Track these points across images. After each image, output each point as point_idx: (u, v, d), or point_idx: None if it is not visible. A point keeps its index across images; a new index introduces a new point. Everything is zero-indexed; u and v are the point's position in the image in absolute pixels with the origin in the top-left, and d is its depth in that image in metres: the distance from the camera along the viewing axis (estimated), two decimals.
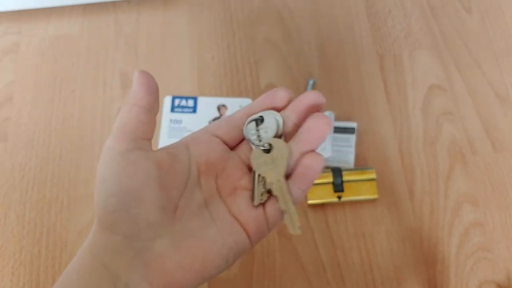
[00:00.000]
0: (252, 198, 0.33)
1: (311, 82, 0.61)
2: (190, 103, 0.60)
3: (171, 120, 0.59)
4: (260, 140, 0.34)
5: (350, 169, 0.55)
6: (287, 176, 0.33)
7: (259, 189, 0.33)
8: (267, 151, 0.33)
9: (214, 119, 0.59)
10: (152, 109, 0.33)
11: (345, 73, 0.62)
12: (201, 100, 0.60)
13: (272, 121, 0.34)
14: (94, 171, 0.57)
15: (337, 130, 0.57)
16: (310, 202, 0.54)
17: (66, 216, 0.56)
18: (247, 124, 0.34)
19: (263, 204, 0.33)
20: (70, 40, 0.65)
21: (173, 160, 0.33)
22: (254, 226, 0.32)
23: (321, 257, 0.53)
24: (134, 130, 0.32)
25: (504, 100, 0.60)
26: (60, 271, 0.53)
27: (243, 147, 0.35)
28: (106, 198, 0.30)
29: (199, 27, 0.66)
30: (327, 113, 0.57)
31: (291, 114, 0.34)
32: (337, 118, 0.59)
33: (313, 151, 0.32)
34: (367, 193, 0.54)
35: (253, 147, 0.34)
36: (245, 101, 0.60)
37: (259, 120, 0.34)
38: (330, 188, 0.55)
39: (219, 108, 0.60)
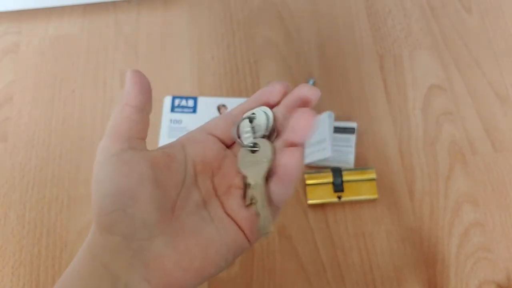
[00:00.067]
0: (244, 197, 0.33)
1: (311, 82, 0.61)
2: (190, 103, 0.60)
3: (171, 120, 0.59)
4: (254, 136, 0.34)
5: (350, 169, 0.55)
6: (271, 176, 0.32)
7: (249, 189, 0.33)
8: (253, 151, 0.33)
9: None
10: (144, 109, 0.33)
11: (345, 73, 0.62)
12: (201, 100, 0.60)
13: (262, 118, 0.34)
14: None
15: (337, 130, 0.57)
16: (310, 202, 0.54)
17: (66, 216, 0.56)
18: (240, 123, 0.34)
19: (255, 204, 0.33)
20: (70, 40, 0.65)
21: (169, 160, 0.33)
22: (248, 225, 0.32)
23: (321, 257, 0.53)
24: (128, 130, 0.32)
25: (504, 100, 0.60)
26: (60, 271, 0.53)
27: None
28: (102, 199, 0.30)
29: (199, 27, 0.66)
30: (327, 113, 0.57)
31: (283, 109, 0.34)
32: (337, 118, 0.59)
33: (294, 146, 0.31)
34: (367, 193, 0.54)
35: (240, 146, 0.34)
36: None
37: (253, 118, 0.34)
38: (330, 188, 0.55)
39: (219, 108, 0.60)
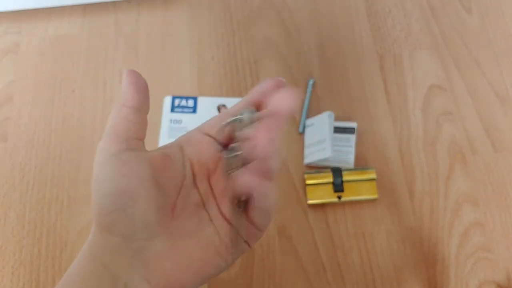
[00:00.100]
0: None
1: (311, 82, 0.61)
2: (190, 103, 0.60)
3: (171, 120, 0.59)
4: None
5: (350, 169, 0.55)
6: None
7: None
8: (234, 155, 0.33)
9: None
10: (142, 109, 0.33)
11: (345, 73, 0.62)
12: (201, 100, 0.60)
13: (246, 120, 0.33)
14: None
15: (337, 130, 0.57)
16: (310, 202, 0.54)
17: (66, 216, 0.56)
18: (226, 126, 0.34)
19: (245, 209, 0.33)
20: (70, 40, 0.65)
21: (167, 160, 0.33)
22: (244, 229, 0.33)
23: (321, 257, 0.53)
24: (126, 131, 0.32)
25: (504, 100, 0.60)
26: (60, 271, 0.53)
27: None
28: (102, 199, 0.30)
29: (199, 27, 0.66)
30: (327, 113, 0.57)
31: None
32: (337, 118, 0.59)
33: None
34: (367, 193, 0.54)
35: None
36: None
37: (239, 119, 0.34)
38: (330, 188, 0.54)
39: (219, 108, 0.60)
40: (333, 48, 0.64)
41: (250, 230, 0.32)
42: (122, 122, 0.32)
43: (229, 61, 0.63)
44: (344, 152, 0.56)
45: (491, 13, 0.65)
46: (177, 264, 0.30)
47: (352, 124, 0.58)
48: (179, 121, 0.59)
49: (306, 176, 0.55)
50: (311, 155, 0.56)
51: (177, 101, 0.60)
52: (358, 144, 0.58)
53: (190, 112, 0.59)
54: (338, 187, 0.54)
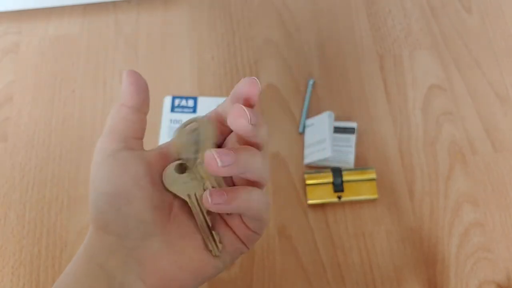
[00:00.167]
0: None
1: (311, 82, 0.61)
2: (190, 103, 0.60)
3: (171, 120, 0.59)
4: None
5: (350, 169, 0.55)
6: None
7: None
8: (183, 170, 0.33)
9: None
10: (141, 109, 0.33)
11: (345, 73, 0.62)
12: (201, 100, 0.60)
13: (209, 132, 0.33)
14: None
15: (337, 130, 0.57)
16: (310, 202, 0.54)
17: (66, 216, 0.56)
18: (181, 132, 0.33)
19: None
20: (70, 40, 0.65)
21: (165, 159, 0.33)
22: (240, 231, 0.32)
23: (321, 257, 0.53)
24: (124, 130, 0.32)
25: (504, 100, 0.60)
26: (60, 271, 0.53)
27: (228, 144, 0.34)
28: (98, 198, 0.30)
29: (199, 27, 0.66)
30: (327, 113, 0.57)
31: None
32: (337, 118, 0.59)
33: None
34: (367, 193, 0.54)
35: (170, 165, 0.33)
36: None
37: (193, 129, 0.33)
38: (330, 188, 0.54)
39: None
40: (333, 48, 0.64)
41: (246, 233, 0.32)
42: (121, 122, 0.32)
43: (229, 61, 0.63)
44: (344, 152, 0.56)
45: (491, 13, 0.65)
46: (173, 264, 0.30)
47: (352, 124, 0.58)
48: (179, 121, 0.59)
49: (306, 176, 0.55)
50: (311, 155, 0.56)
51: (177, 101, 0.60)
52: (358, 144, 0.58)
53: (190, 112, 0.59)
54: (338, 187, 0.54)
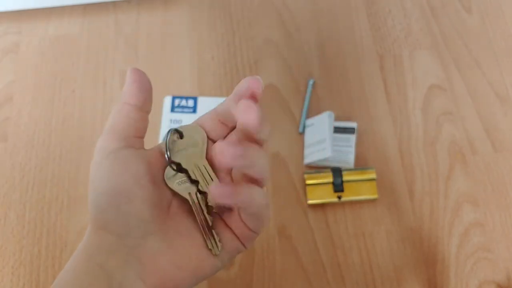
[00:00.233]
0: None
1: (311, 82, 0.61)
2: (190, 103, 0.60)
3: (171, 120, 0.59)
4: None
5: (350, 169, 0.55)
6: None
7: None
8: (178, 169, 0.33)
9: None
10: (143, 107, 0.33)
11: (345, 73, 0.62)
12: (201, 100, 0.60)
13: (194, 140, 0.33)
14: None
15: (337, 130, 0.57)
16: (310, 202, 0.54)
17: (66, 216, 0.56)
18: (169, 137, 0.33)
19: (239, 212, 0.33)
20: (70, 40, 0.65)
21: (165, 159, 0.33)
22: (238, 230, 0.32)
23: (321, 257, 0.53)
24: (125, 128, 0.32)
25: (504, 100, 0.60)
26: (60, 271, 0.53)
27: (215, 156, 0.33)
28: (97, 198, 0.30)
29: (199, 27, 0.66)
30: (327, 113, 0.57)
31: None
32: (337, 118, 0.59)
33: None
34: (367, 193, 0.54)
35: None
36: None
37: (180, 134, 0.33)
38: (330, 188, 0.54)
39: None
40: (333, 48, 0.64)
41: (244, 232, 0.32)
42: (123, 120, 0.32)
43: (229, 61, 0.63)
44: (344, 152, 0.56)
45: (491, 13, 0.65)
46: (172, 263, 0.30)
47: (352, 124, 0.58)
48: (179, 121, 0.59)
49: (306, 176, 0.55)
50: (311, 155, 0.56)
51: (177, 101, 0.60)
52: (358, 144, 0.58)
53: (190, 112, 0.59)
54: (338, 187, 0.54)
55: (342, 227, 0.54)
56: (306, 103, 0.60)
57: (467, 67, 0.62)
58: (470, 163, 0.57)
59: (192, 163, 0.32)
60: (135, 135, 0.32)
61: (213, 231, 0.31)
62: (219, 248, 0.31)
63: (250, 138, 0.31)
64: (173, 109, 0.60)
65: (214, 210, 0.32)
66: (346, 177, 0.55)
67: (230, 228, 0.32)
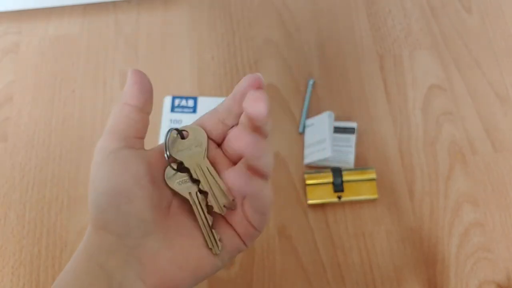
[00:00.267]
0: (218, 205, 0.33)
1: (311, 82, 0.61)
2: (190, 103, 0.60)
3: (171, 120, 0.59)
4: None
5: (350, 169, 0.55)
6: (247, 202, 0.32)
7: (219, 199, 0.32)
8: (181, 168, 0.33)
9: None
10: (144, 108, 0.33)
11: (345, 73, 0.62)
12: (201, 100, 0.60)
13: (198, 140, 0.33)
14: None
15: (337, 130, 0.57)
16: (310, 202, 0.54)
17: (66, 216, 0.56)
18: (169, 137, 0.33)
19: (242, 208, 0.33)
20: (70, 40, 0.65)
21: (164, 158, 0.33)
22: (242, 229, 0.32)
23: (321, 257, 0.53)
24: (126, 129, 0.32)
25: (504, 100, 0.60)
26: (60, 271, 0.53)
27: (228, 142, 0.34)
28: (97, 198, 0.30)
29: (199, 27, 0.66)
30: (327, 113, 0.57)
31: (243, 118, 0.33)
32: (337, 118, 0.59)
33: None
34: (367, 193, 0.54)
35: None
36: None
37: (182, 133, 0.33)
38: (330, 188, 0.54)
39: None
40: (333, 48, 0.64)
41: (247, 230, 0.32)
42: (123, 121, 0.32)
43: (229, 61, 0.63)
44: (344, 152, 0.56)
45: (491, 13, 0.65)
46: (172, 263, 0.30)
47: (352, 124, 0.58)
48: (179, 121, 0.59)
49: (306, 176, 0.55)
50: (311, 155, 0.56)
51: (177, 101, 0.60)
52: (358, 144, 0.58)
53: (190, 112, 0.59)
54: (338, 187, 0.54)
55: (342, 227, 0.54)
56: (306, 103, 0.60)
57: (467, 67, 0.62)
58: (470, 163, 0.57)
59: (194, 163, 0.32)
60: (135, 135, 0.32)
61: (213, 230, 0.32)
62: (219, 247, 0.31)
63: (257, 130, 0.31)
64: (173, 109, 0.60)
65: (215, 210, 0.32)
66: (346, 177, 0.55)
67: (232, 227, 0.32)
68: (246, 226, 0.32)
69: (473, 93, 0.61)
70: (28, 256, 0.54)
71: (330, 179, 0.54)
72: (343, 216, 0.55)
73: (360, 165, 0.57)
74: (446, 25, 0.65)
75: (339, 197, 0.54)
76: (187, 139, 0.33)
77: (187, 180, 0.32)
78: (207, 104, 0.60)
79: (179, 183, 0.32)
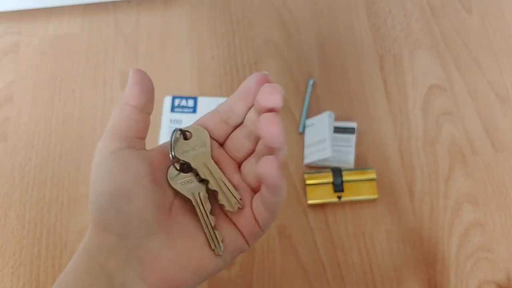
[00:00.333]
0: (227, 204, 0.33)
1: (311, 82, 0.61)
2: (190, 103, 0.60)
3: (171, 120, 0.59)
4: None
5: (350, 169, 0.55)
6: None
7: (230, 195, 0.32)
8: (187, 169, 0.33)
9: None
10: (145, 109, 0.33)
11: (345, 73, 0.62)
12: (201, 100, 0.60)
13: (202, 141, 0.33)
14: None
15: (337, 130, 0.57)
16: (310, 202, 0.54)
17: (66, 216, 0.56)
18: (174, 137, 0.33)
19: (251, 204, 0.33)
20: (70, 40, 0.65)
21: (166, 158, 0.33)
22: (246, 228, 0.32)
23: (321, 257, 0.53)
24: (126, 129, 0.32)
25: (504, 100, 0.60)
26: (60, 271, 0.53)
27: (231, 142, 0.34)
28: (98, 198, 0.30)
29: (199, 27, 0.66)
30: (327, 113, 0.57)
31: (252, 115, 0.32)
32: (337, 118, 0.59)
33: (270, 152, 0.31)
34: (367, 193, 0.54)
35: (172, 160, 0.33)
36: None
37: (185, 134, 0.33)
38: (330, 188, 0.54)
39: None
40: (333, 48, 0.64)
41: (252, 229, 0.32)
42: (124, 121, 0.32)
43: (229, 61, 0.63)
44: (344, 152, 0.56)
45: (491, 13, 0.65)
46: (174, 263, 0.30)
47: (352, 124, 0.58)
48: (179, 121, 0.59)
49: (306, 176, 0.55)
50: (311, 155, 0.56)
51: (177, 101, 0.60)
52: (358, 144, 0.58)
53: (190, 112, 0.59)
54: (338, 187, 0.54)
55: (342, 227, 0.54)
56: (306, 103, 0.60)
57: (467, 67, 0.62)
58: (470, 163, 0.57)
59: (200, 163, 0.32)
60: (136, 136, 0.32)
61: (215, 231, 0.32)
62: (222, 248, 0.31)
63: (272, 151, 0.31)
64: (173, 109, 0.60)
65: (227, 209, 0.32)
66: (346, 177, 0.55)
67: (236, 227, 0.32)
68: (252, 225, 0.32)
69: (473, 93, 0.61)
70: (28, 256, 0.54)
71: (330, 179, 0.54)
72: (343, 216, 0.55)
73: (360, 165, 0.57)
74: (446, 25, 0.65)
75: (339, 197, 0.54)
76: (191, 139, 0.33)
77: (190, 181, 0.32)
78: (207, 104, 0.60)
79: (182, 183, 0.32)
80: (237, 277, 0.52)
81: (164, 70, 0.63)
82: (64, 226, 0.55)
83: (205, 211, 0.32)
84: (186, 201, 0.32)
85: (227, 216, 0.33)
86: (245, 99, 0.32)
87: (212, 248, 0.31)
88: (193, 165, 0.32)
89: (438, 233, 0.54)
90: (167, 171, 0.33)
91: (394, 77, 0.62)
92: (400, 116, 0.60)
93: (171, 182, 0.32)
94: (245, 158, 0.34)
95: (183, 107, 0.60)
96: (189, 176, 0.33)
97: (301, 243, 0.54)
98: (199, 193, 0.32)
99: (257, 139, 0.33)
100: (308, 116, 0.59)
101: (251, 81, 0.32)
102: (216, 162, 0.33)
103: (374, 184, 0.55)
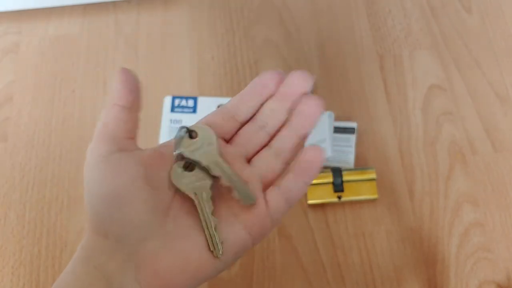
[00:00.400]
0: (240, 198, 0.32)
1: None
2: (190, 103, 0.60)
3: (171, 120, 0.59)
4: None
5: (350, 169, 0.55)
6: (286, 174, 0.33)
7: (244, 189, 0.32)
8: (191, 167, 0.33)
9: None
10: (133, 108, 0.32)
11: (345, 73, 0.62)
12: (201, 100, 0.60)
13: (208, 139, 0.33)
14: None
15: (337, 130, 0.57)
16: (310, 202, 0.54)
17: (66, 216, 0.56)
18: (180, 135, 0.33)
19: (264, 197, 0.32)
20: (70, 40, 0.65)
21: (161, 158, 0.32)
22: (256, 223, 0.32)
23: (321, 257, 0.53)
24: (115, 130, 0.32)
25: (504, 100, 0.60)
26: (60, 271, 0.53)
27: (240, 138, 0.34)
28: (94, 202, 0.30)
29: (199, 27, 0.66)
30: (327, 113, 0.57)
31: (274, 104, 0.34)
32: (337, 118, 0.59)
33: (303, 135, 0.33)
34: (367, 193, 0.54)
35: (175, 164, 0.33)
36: None
37: (192, 133, 0.33)
38: (330, 188, 0.54)
39: None
40: (333, 48, 0.64)
41: (262, 223, 0.32)
42: (113, 122, 0.32)
43: (229, 61, 0.63)
44: (344, 152, 0.56)
45: (491, 13, 0.65)
46: (172, 266, 0.30)
47: (352, 124, 0.58)
48: (179, 121, 0.59)
49: None
50: None
51: (177, 101, 0.60)
52: (358, 144, 0.58)
53: (190, 112, 0.59)
54: (338, 187, 0.54)
55: (342, 227, 0.54)
56: None
57: (467, 67, 0.62)
58: (470, 163, 0.57)
59: (210, 161, 0.32)
60: (126, 136, 0.32)
61: (216, 232, 0.31)
62: (221, 250, 0.31)
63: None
64: (173, 109, 0.60)
65: (244, 203, 0.32)
66: (346, 177, 0.55)
67: (241, 226, 0.32)
68: (262, 220, 0.32)
69: (473, 93, 0.61)
70: (28, 256, 0.54)
71: (330, 179, 0.54)
72: (343, 216, 0.55)
73: (360, 165, 0.57)
74: (446, 25, 0.65)
75: (339, 197, 0.54)
76: (197, 138, 0.33)
77: (195, 180, 0.32)
78: (207, 104, 0.60)
79: (187, 183, 0.32)
80: (237, 277, 0.52)
81: (164, 70, 0.63)
82: (64, 226, 0.55)
83: (207, 211, 0.31)
84: (185, 201, 0.32)
85: (231, 215, 0.32)
86: (259, 94, 0.33)
87: (211, 249, 0.31)
88: (203, 163, 0.32)
89: (438, 233, 0.54)
90: (170, 171, 0.32)
91: (394, 77, 0.62)
92: (400, 116, 0.60)
93: (174, 182, 0.32)
94: (256, 152, 0.34)
95: (183, 107, 0.60)
96: (193, 175, 0.32)
97: (301, 243, 0.54)
98: (202, 193, 0.32)
99: (271, 132, 0.34)
100: None
101: (265, 77, 0.33)
102: (224, 159, 0.33)
103: (374, 184, 0.55)
